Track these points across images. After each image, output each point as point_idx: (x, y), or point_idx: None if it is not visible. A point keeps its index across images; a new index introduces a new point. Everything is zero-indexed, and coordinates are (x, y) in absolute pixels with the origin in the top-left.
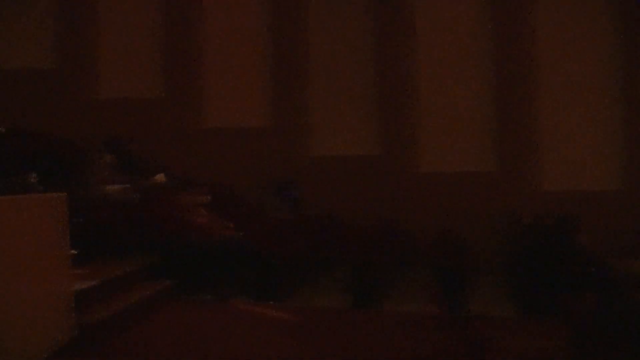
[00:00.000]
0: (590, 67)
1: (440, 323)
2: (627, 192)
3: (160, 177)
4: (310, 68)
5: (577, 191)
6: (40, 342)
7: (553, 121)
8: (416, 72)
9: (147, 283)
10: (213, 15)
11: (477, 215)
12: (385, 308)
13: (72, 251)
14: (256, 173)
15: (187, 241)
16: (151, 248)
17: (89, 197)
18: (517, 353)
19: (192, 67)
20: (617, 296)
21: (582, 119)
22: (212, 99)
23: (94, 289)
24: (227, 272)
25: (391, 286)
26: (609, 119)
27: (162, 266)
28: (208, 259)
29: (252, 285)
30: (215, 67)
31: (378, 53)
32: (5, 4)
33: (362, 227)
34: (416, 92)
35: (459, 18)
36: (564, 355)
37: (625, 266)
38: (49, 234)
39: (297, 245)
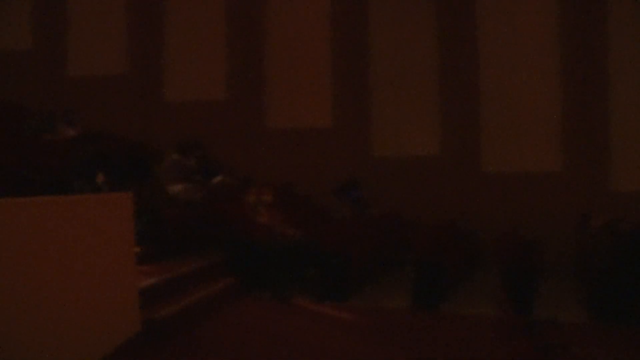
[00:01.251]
0: None
1: (507, 327)
2: None
3: (224, 177)
4: (372, 69)
5: None
6: (105, 336)
7: (624, 120)
8: (479, 72)
9: (212, 281)
10: (276, 18)
11: (544, 216)
12: (450, 309)
13: (136, 249)
14: (319, 173)
15: (250, 240)
16: (216, 246)
17: (155, 197)
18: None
19: (255, 69)
20: None
21: None
22: (275, 100)
23: (159, 286)
24: (290, 270)
25: (456, 287)
26: None
27: (227, 264)
28: (271, 257)
29: (315, 284)
30: (277, 70)
31: (440, 54)
32: (76, 16)
33: (426, 227)
34: (479, 92)
35: (524, 17)
36: None
37: None
38: (115, 232)
39: (360, 244)
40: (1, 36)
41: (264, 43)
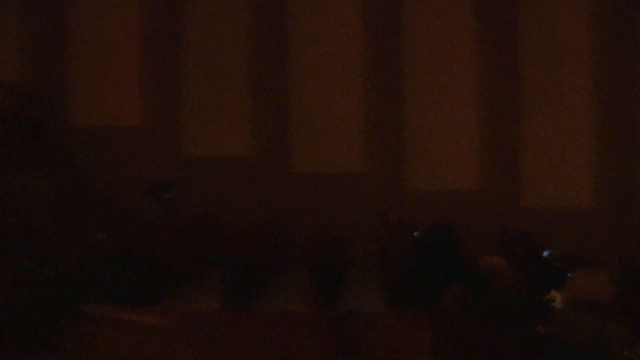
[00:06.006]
0: (454, 66)
1: (313, 321)
2: (489, 192)
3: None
4: (183, 67)
5: (445, 191)
6: None
7: (419, 121)
8: (290, 72)
9: None
10: (82, 8)
11: (351, 214)
12: (261, 307)
13: None
14: (127, 174)
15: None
16: None
17: None
18: (386, 348)
19: (55, 59)
20: (480, 291)
21: (446, 119)
22: (77, 95)
23: None
24: (96, 278)
25: (267, 285)
26: (472, 119)
27: None
28: None
29: (123, 289)
30: (80, 61)
31: (251, 53)
32: None
33: (238, 227)
34: (290, 93)
35: (332, 16)
36: (430, 348)
37: (485, 262)
38: None
39: (172, 246)
40: None
41: (65, 33)
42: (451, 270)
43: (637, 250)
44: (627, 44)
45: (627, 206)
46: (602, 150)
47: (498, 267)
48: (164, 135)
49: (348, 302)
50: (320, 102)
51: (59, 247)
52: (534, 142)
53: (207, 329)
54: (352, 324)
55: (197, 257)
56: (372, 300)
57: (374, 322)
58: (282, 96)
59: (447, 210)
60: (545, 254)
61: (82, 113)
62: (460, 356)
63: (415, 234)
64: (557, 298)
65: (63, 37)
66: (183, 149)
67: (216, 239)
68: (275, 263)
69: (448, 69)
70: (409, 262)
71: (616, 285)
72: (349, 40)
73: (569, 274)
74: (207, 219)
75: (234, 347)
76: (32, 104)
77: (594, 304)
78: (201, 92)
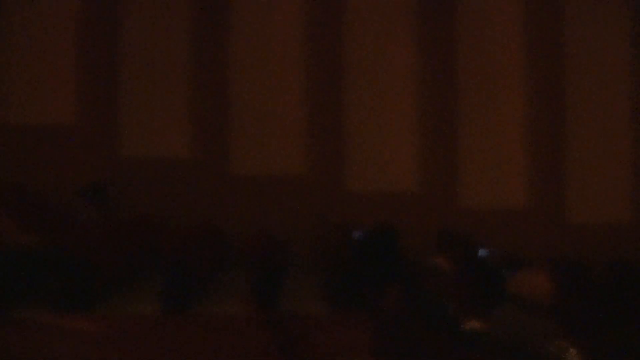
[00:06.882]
0: (393, 68)
1: (254, 324)
2: (428, 193)
3: None
4: (120, 63)
5: (385, 192)
6: None
7: (361, 120)
8: (227, 72)
9: None
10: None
11: (290, 216)
12: (201, 311)
13: None
14: (61, 173)
15: None
16: None
17: None
18: (326, 349)
19: None
20: (417, 290)
21: (386, 121)
22: (9, 90)
23: None
24: (26, 283)
25: (208, 288)
26: (411, 121)
27: None
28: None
29: (56, 294)
30: (11, 57)
31: (190, 51)
32: None
33: (178, 229)
34: (227, 93)
35: (270, 16)
36: (370, 348)
37: (426, 262)
38: None
39: (107, 249)
40: None
41: None
42: (391, 271)
43: (571, 249)
44: (559, 45)
45: (560, 206)
46: (536, 151)
47: (440, 267)
48: (100, 135)
49: (288, 304)
50: (260, 104)
51: None
52: (471, 144)
53: (144, 334)
54: (292, 325)
55: (134, 260)
56: (313, 301)
57: (314, 323)
58: (222, 97)
59: (386, 211)
60: (480, 252)
61: (15, 111)
62: (400, 356)
63: (354, 234)
64: (493, 298)
65: None
66: (120, 148)
67: (154, 241)
68: (214, 265)
69: (387, 71)
70: (349, 263)
71: (553, 285)
72: (289, 41)
73: (506, 274)
74: (145, 221)
75: (173, 352)
76: None
77: (532, 304)
78: (139, 90)
